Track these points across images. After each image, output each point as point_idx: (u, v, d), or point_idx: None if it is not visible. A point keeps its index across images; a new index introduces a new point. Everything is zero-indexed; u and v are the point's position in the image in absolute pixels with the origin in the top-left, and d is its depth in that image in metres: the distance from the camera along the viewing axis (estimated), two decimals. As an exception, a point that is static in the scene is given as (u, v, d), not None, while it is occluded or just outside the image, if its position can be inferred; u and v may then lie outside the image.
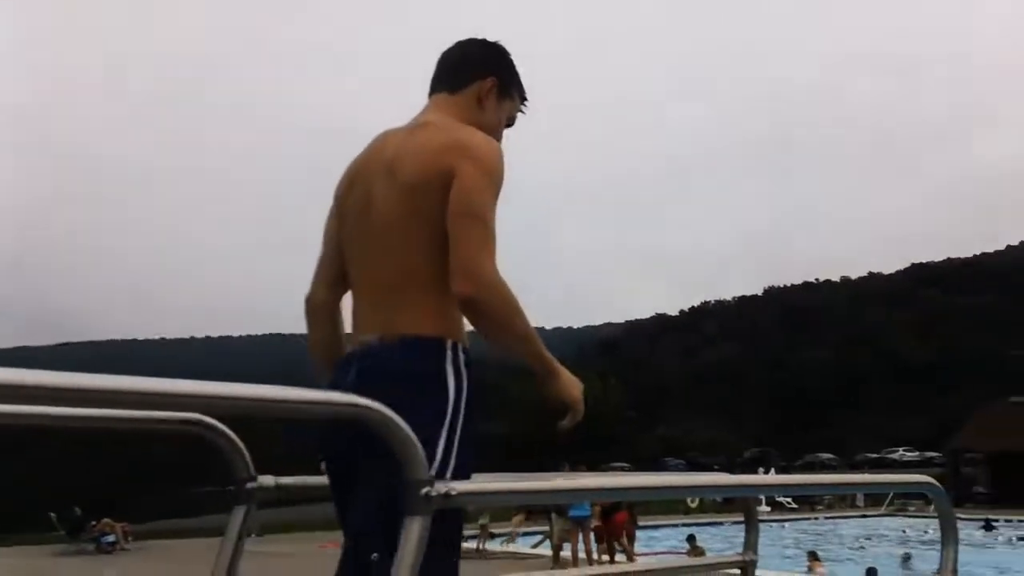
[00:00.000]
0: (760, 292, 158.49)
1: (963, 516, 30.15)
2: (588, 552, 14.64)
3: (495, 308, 1.93)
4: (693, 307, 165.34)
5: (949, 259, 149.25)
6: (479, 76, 2.24)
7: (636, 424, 71.38)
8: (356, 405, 1.35)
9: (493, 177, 2.01)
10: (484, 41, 2.32)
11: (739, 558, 2.64)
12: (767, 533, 25.02)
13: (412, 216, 2.00)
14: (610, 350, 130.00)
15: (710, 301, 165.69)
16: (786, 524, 28.81)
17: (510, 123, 2.32)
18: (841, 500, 37.69)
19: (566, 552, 15.21)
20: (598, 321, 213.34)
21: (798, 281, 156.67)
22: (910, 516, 31.47)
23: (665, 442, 76.92)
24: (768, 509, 32.48)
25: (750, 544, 2.67)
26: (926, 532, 25.85)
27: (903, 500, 35.57)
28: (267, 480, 1.96)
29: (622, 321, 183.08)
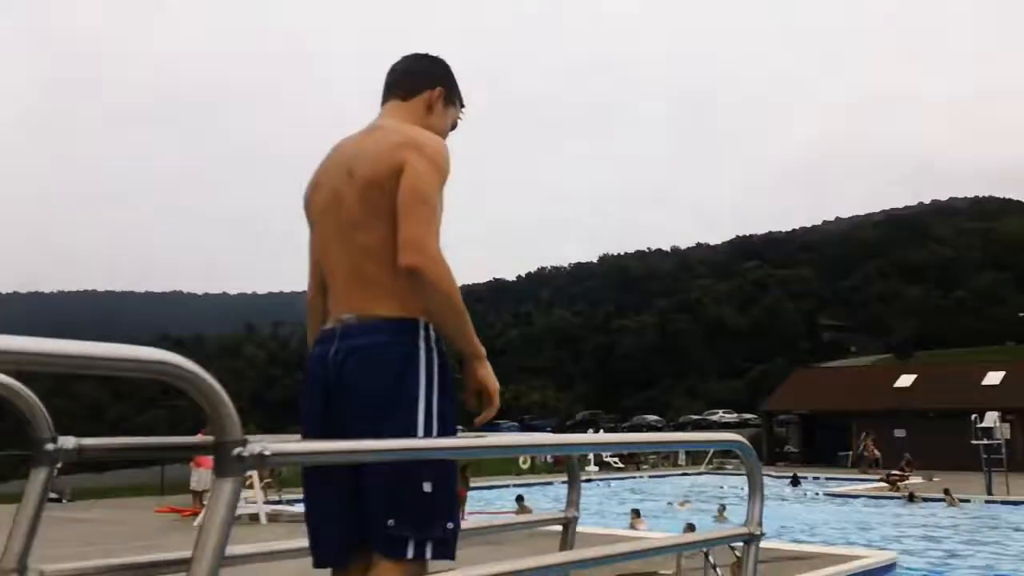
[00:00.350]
0: (595, 259, 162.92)
1: (774, 473, 32.35)
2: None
3: (438, 279, 2.15)
4: (530, 273, 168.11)
5: (770, 233, 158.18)
6: (428, 86, 2.52)
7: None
8: (164, 363, 1.26)
9: (439, 167, 2.26)
10: (431, 56, 2.61)
11: (561, 515, 2.70)
12: (595, 491, 25.83)
13: (374, 210, 2.23)
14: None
15: (546, 267, 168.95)
16: (612, 483, 29.83)
17: (453, 127, 2.60)
18: (664, 460, 39.37)
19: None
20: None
21: (631, 250, 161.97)
22: (727, 474, 33.25)
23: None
24: (596, 469, 33.51)
25: (572, 502, 2.74)
26: (742, 489, 27.33)
27: (721, 459, 37.57)
28: (68, 441, 1.79)
29: (459, 285, 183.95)
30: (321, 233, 2.41)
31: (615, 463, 34.97)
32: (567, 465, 2.91)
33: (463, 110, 2.64)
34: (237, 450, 1.34)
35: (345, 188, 2.30)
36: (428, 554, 2.10)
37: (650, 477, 32.21)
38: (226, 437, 1.33)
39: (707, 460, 36.93)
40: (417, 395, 2.17)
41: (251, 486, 16.23)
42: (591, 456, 34.25)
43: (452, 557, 2.14)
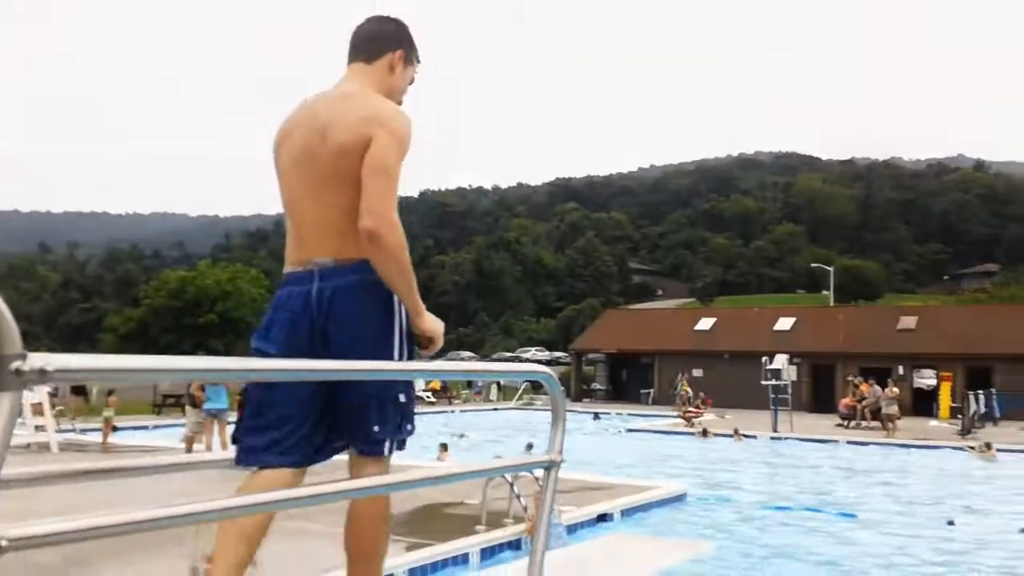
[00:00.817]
0: (415, 194, 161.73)
1: (580, 410, 33.38)
2: (224, 446, 13.84)
3: (391, 242, 2.55)
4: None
5: (589, 176, 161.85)
6: (390, 48, 2.84)
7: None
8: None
9: (401, 143, 2.64)
10: (391, 18, 2.91)
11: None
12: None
13: (344, 174, 2.58)
14: (259, 242, 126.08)
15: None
16: (425, 417, 29.80)
17: (411, 82, 2.95)
18: (476, 395, 39.88)
19: (200, 446, 14.33)
20: (247, 212, 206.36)
21: (451, 186, 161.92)
22: (536, 410, 33.96)
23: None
24: (429, 397, 33.55)
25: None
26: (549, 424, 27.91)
27: (531, 396, 38.38)
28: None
29: (272, 214, 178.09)
30: (290, 186, 2.77)
31: (427, 398, 35.01)
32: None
33: (419, 65, 2.97)
34: (15, 364, 1.24)
35: (318, 148, 2.64)
36: (395, 450, 2.69)
37: (462, 412, 32.44)
38: (3, 352, 1.23)
39: (517, 396, 37.62)
40: (394, 320, 2.68)
41: (42, 412, 15.24)
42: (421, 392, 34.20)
43: (403, 449, 2.73)
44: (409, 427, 2.71)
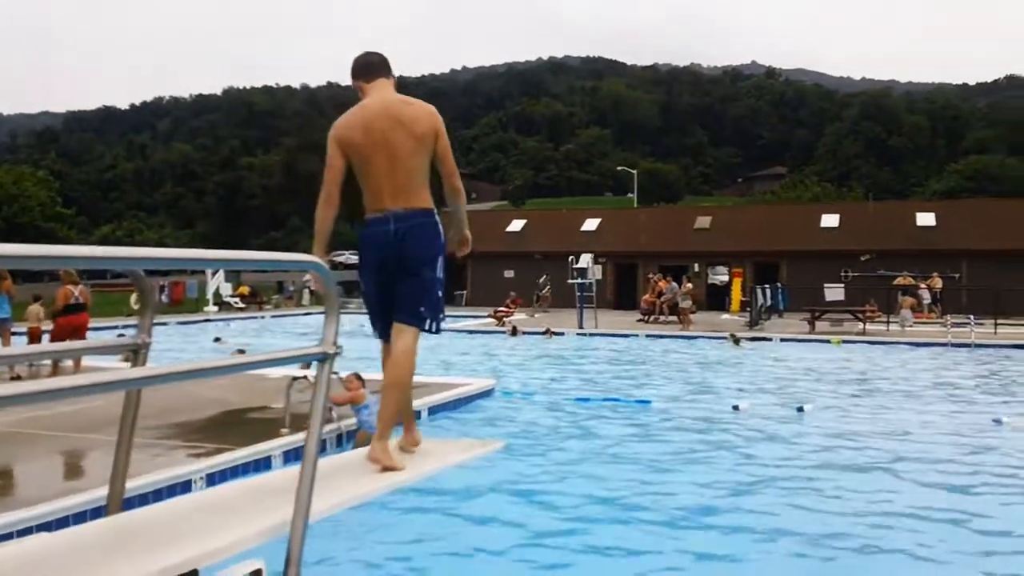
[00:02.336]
0: (219, 92, 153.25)
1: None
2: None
3: (463, 192, 4.22)
4: (146, 102, 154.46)
5: (401, 77, 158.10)
6: (390, 70, 4.29)
7: (73, 223, 65.38)
8: None
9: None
10: (379, 53, 4.35)
11: (132, 341, 2.65)
12: (206, 332, 24.82)
13: (418, 150, 3.99)
14: (48, 142, 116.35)
15: (165, 97, 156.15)
16: (232, 323, 28.96)
17: None
18: (288, 300, 39.03)
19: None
20: (34, 109, 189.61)
21: (259, 84, 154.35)
22: (350, 313, 33.54)
23: (108, 242, 72.01)
24: (215, 309, 32.30)
25: (144, 327, 2.69)
26: (361, 325, 27.77)
27: (346, 299, 37.88)
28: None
29: (63, 111, 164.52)
30: (377, 163, 4.00)
31: (236, 303, 33.91)
32: (139, 288, 2.75)
33: None
34: None
35: (395, 134, 3.98)
36: (434, 328, 4.06)
37: (272, 317, 31.71)
38: None
39: (329, 300, 37.10)
40: (440, 251, 4.04)
41: None
42: (209, 295, 32.90)
43: (440, 332, 4.13)
44: (442, 316, 4.10)
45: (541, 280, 33.74)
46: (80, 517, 5.20)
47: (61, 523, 4.98)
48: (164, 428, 8.53)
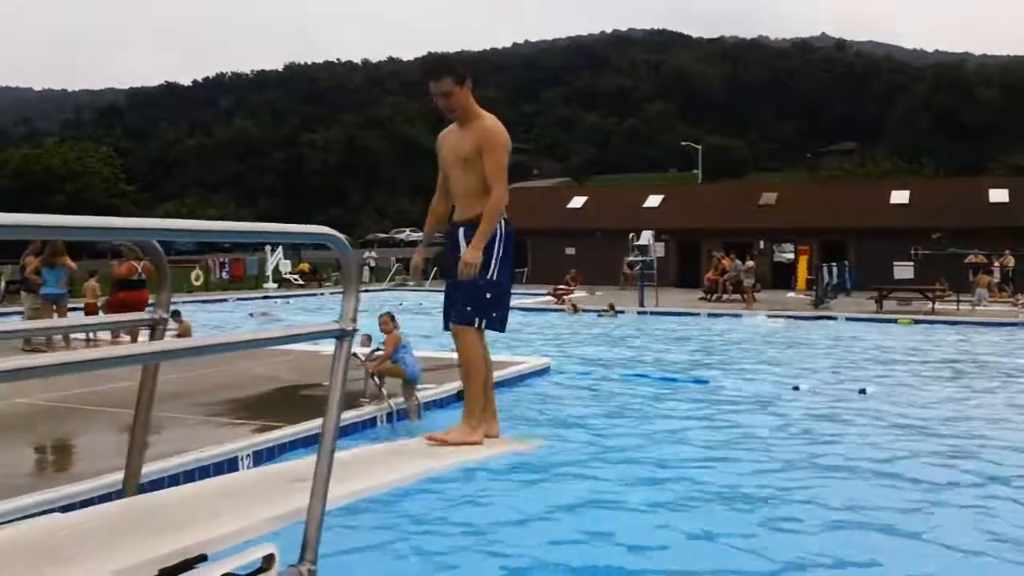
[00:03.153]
0: (280, 68, 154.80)
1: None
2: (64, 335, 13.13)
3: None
4: (208, 78, 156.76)
5: (463, 52, 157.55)
6: None
7: (135, 199, 66.56)
8: None
9: None
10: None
11: (149, 317, 2.58)
12: (265, 308, 25.14)
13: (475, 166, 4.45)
14: (112, 118, 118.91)
15: (227, 73, 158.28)
16: (291, 300, 29.30)
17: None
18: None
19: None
20: (99, 86, 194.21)
21: (320, 60, 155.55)
22: (409, 290, 33.78)
23: (170, 218, 73.34)
24: (275, 286, 32.70)
25: (161, 303, 2.63)
26: (421, 304, 27.89)
27: (404, 276, 38.11)
28: None
29: (126, 88, 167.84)
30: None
31: (295, 280, 34.30)
32: (158, 262, 2.74)
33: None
34: None
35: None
36: (482, 326, 4.38)
37: (331, 294, 31.90)
38: None
39: (389, 277, 37.32)
40: (490, 257, 4.36)
41: None
42: (269, 272, 33.32)
43: (502, 330, 4.50)
44: (495, 314, 4.39)
45: (629, 259, 32.99)
46: (106, 498, 5.19)
47: (86, 503, 4.97)
48: (213, 405, 8.58)
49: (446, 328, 4.54)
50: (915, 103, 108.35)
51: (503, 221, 4.41)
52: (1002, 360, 14.51)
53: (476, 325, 4.34)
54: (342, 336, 2.34)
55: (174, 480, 5.61)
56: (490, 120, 4.44)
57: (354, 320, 2.37)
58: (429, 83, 4.33)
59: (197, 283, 31.50)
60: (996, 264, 29.27)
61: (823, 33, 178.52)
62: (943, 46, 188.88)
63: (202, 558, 2.07)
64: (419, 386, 8.85)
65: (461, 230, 4.46)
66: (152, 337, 2.51)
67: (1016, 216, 32.58)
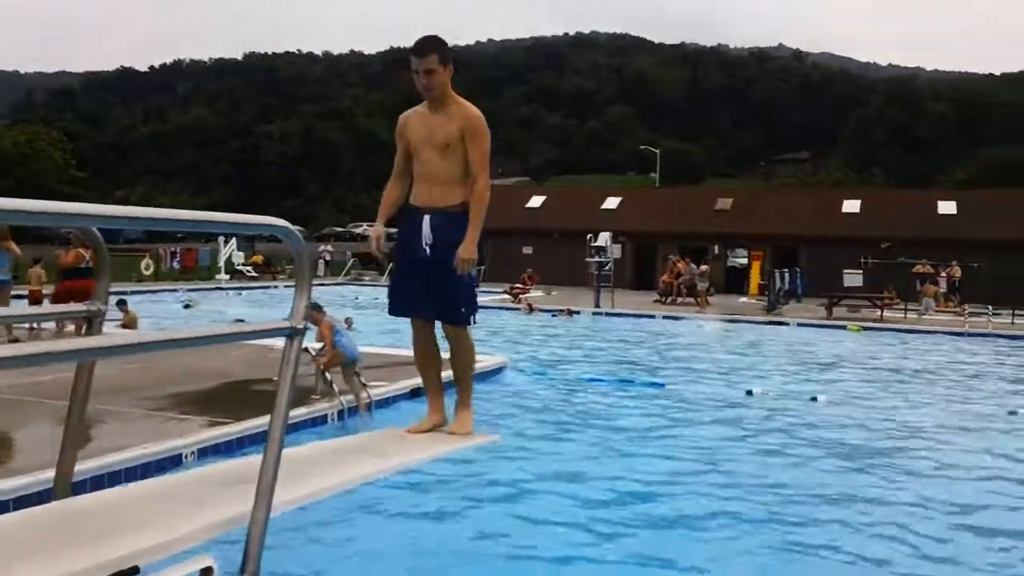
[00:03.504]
0: (240, 56, 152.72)
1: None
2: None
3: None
4: (165, 64, 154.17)
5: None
6: None
7: (87, 185, 65.08)
8: None
9: None
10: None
11: (86, 309, 2.44)
12: (217, 300, 24.72)
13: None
14: (65, 101, 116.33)
15: (184, 60, 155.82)
16: (243, 292, 28.89)
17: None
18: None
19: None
20: (52, 68, 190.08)
21: (280, 50, 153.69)
22: (364, 285, 33.53)
23: (122, 205, 71.78)
24: (227, 277, 32.19)
25: (100, 295, 2.46)
26: (376, 299, 27.61)
27: (360, 271, 37.80)
28: None
29: (81, 71, 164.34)
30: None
31: (248, 271, 33.82)
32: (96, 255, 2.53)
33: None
34: None
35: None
36: (474, 321, 4.34)
37: (285, 287, 31.46)
38: None
39: (344, 271, 36.98)
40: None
41: None
42: (221, 264, 32.80)
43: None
44: (476, 306, 4.34)
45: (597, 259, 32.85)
46: (35, 500, 4.98)
47: (17, 504, 4.76)
48: (158, 399, 8.37)
49: (395, 313, 4.43)
50: (868, 115, 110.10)
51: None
52: (948, 367, 14.76)
53: (469, 321, 4.29)
54: (292, 334, 2.23)
55: (114, 478, 5.43)
56: (474, 108, 4.31)
57: (305, 318, 2.25)
58: (412, 59, 4.17)
59: (147, 272, 30.90)
60: (943, 274, 29.82)
61: (781, 44, 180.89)
62: (896, 60, 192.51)
63: (134, 570, 1.95)
64: (371, 384, 8.72)
65: (427, 217, 4.21)
66: (89, 330, 2.38)
67: (964, 228, 33.24)
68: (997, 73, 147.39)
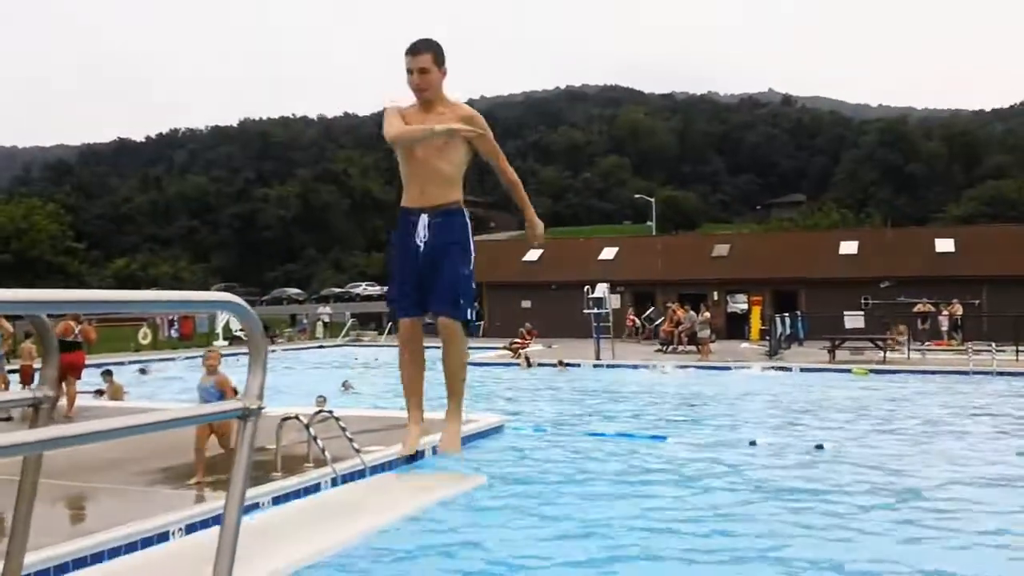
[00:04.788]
0: (235, 123, 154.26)
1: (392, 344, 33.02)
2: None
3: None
4: (162, 134, 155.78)
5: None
6: None
7: (85, 257, 65.17)
8: None
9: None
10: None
11: (31, 395, 2.18)
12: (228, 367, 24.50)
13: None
14: (62, 174, 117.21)
15: (180, 129, 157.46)
16: (241, 358, 28.68)
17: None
18: (301, 333, 38.74)
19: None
20: (48, 142, 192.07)
21: (274, 115, 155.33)
22: (364, 346, 33.37)
23: (122, 276, 71.86)
24: (225, 343, 32.04)
25: (47, 379, 2.19)
26: (376, 359, 27.46)
27: (359, 332, 37.66)
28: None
29: (77, 144, 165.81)
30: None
31: (244, 336, 33.65)
32: (40, 328, 2.20)
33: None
34: None
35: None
36: (471, 318, 4.24)
37: (284, 351, 31.31)
38: None
39: (343, 333, 36.85)
40: (471, 241, 4.35)
41: None
42: (219, 329, 32.68)
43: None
44: (477, 306, 4.34)
45: (650, 311, 33.77)
46: None
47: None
48: (149, 473, 8.18)
49: (404, 315, 4.35)
50: (861, 156, 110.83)
51: (468, 212, 4.33)
52: (959, 410, 14.54)
53: (468, 317, 4.20)
54: (245, 416, 2.07)
55: (97, 558, 5.25)
56: (468, 107, 4.33)
57: (260, 397, 2.10)
58: (407, 58, 4.15)
59: (145, 342, 30.75)
60: (945, 313, 29.66)
61: (770, 89, 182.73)
62: (886, 101, 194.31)
63: None
64: (367, 448, 8.54)
65: (425, 216, 4.21)
66: (34, 418, 2.23)
67: (962, 266, 33.16)
68: (987, 109, 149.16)
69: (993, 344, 21.25)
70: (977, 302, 31.39)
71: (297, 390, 18.08)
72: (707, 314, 27.35)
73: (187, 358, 27.34)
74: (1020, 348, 22.95)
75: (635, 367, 22.74)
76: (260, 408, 2.07)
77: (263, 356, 2.10)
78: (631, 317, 31.20)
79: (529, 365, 23.38)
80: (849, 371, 20.99)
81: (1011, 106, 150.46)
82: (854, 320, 27.69)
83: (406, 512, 3.40)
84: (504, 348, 27.74)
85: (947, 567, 6.01)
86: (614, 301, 28.62)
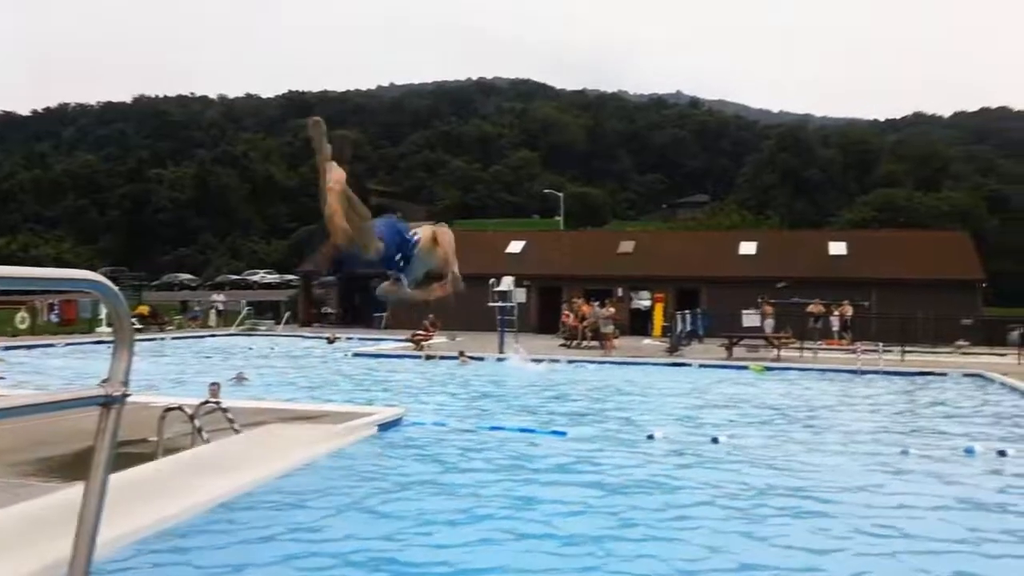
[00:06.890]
0: (129, 100, 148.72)
1: (309, 334, 32.44)
2: None
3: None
4: (50, 108, 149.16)
5: (324, 91, 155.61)
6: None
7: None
8: None
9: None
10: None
11: None
12: (98, 354, 23.52)
13: None
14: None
15: (70, 104, 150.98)
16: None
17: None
18: (193, 321, 37.55)
19: None
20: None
21: (171, 93, 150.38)
22: (259, 335, 32.60)
23: (1, 256, 68.28)
24: (110, 329, 30.71)
25: None
26: (272, 348, 26.82)
27: (254, 321, 36.75)
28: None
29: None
30: None
31: (133, 324, 32.35)
32: None
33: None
34: None
35: None
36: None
37: (173, 339, 30.15)
38: None
39: (238, 321, 35.89)
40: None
41: None
42: (103, 315, 31.36)
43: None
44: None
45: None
46: None
47: None
48: (25, 464, 7.68)
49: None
50: (762, 160, 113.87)
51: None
52: (844, 404, 14.97)
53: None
54: (108, 403, 1.85)
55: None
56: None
57: (125, 383, 1.88)
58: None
59: (22, 326, 29.31)
60: (836, 313, 30.68)
61: (678, 91, 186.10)
62: (788, 107, 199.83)
63: None
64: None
65: None
66: None
67: (854, 268, 34.37)
68: (881, 119, 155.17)
69: (880, 344, 22.03)
70: (866, 303, 32.55)
71: (186, 381, 17.47)
72: (611, 309, 27.59)
73: (68, 344, 26.12)
74: (905, 348, 23.91)
75: (538, 361, 22.77)
76: (125, 395, 1.89)
77: (129, 340, 1.95)
78: (567, 314, 30.17)
79: (429, 358, 23.15)
80: (746, 367, 21.45)
81: (903, 117, 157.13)
82: (751, 319, 28.39)
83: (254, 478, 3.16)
84: (407, 340, 27.44)
85: (836, 553, 6.08)
86: (519, 295, 28.61)
